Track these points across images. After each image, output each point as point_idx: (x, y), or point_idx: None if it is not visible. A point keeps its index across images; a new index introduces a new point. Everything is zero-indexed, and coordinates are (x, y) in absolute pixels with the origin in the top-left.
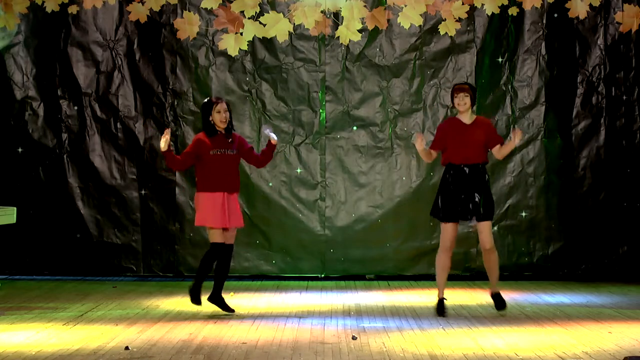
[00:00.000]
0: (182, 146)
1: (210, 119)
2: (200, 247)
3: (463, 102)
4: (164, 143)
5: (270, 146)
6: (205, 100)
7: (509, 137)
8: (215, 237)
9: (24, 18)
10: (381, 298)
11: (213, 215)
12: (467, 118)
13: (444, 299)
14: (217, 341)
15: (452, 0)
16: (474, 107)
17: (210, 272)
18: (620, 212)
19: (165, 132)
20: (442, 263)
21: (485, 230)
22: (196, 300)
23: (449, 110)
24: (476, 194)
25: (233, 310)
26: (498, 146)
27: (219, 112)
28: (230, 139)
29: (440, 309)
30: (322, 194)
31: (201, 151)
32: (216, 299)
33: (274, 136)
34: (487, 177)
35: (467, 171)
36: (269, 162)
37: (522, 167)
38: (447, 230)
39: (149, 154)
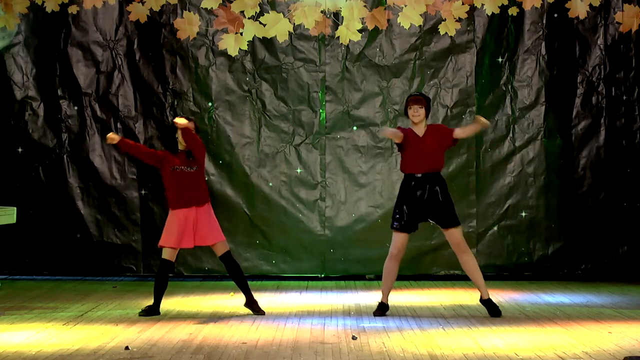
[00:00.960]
0: None
1: (176, 135)
2: (200, 248)
3: (417, 113)
4: (114, 136)
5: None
6: (175, 118)
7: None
8: (165, 253)
9: (24, 18)
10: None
11: (169, 235)
12: (420, 129)
13: (385, 303)
14: (217, 341)
15: (452, 0)
16: (428, 119)
17: (163, 287)
18: (620, 212)
19: (109, 138)
20: (388, 269)
21: (454, 235)
22: (146, 314)
23: (449, 111)
24: (438, 202)
25: (264, 313)
26: (457, 130)
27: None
28: (192, 158)
29: (378, 311)
30: (322, 194)
31: (165, 162)
32: (249, 304)
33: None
34: (445, 184)
35: (423, 180)
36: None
37: (522, 167)
38: (398, 239)
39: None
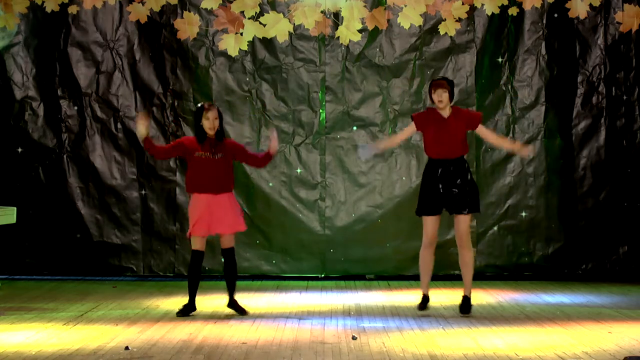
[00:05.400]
0: None
1: (201, 124)
2: None
3: (441, 98)
4: (142, 128)
5: (268, 154)
6: (198, 105)
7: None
8: (194, 243)
9: (24, 18)
10: (381, 298)
11: (193, 221)
12: (445, 112)
13: (427, 295)
14: (217, 341)
15: (452, 0)
16: (452, 103)
17: (197, 280)
18: (621, 212)
19: (140, 116)
20: (423, 259)
21: (463, 224)
22: (183, 314)
23: None
24: (457, 187)
25: (246, 312)
26: (485, 131)
27: (207, 118)
28: (219, 145)
29: (422, 305)
30: (322, 194)
31: (188, 150)
32: (231, 304)
33: (274, 143)
34: (468, 168)
35: (448, 164)
36: (269, 163)
37: (522, 167)
38: (427, 224)
39: (149, 154)
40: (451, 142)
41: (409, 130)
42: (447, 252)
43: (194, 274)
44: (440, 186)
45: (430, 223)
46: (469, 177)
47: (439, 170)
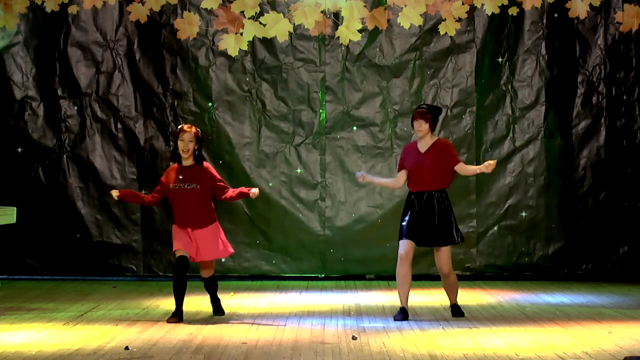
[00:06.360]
0: None
1: (177, 142)
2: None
3: (421, 128)
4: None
5: (244, 194)
6: (179, 126)
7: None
8: (178, 251)
9: (23, 18)
10: (381, 298)
11: (177, 238)
12: (424, 144)
13: (404, 308)
14: (217, 341)
15: (452, 0)
16: (434, 131)
17: (182, 287)
18: (621, 212)
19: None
20: (401, 273)
21: (442, 255)
22: (174, 319)
23: (449, 111)
24: (433, 220)
25: (224, 312)
26: (460, 165)
27: (182, 140)
28: (196, 171)
29: (400, 316)
30: (322, 194)
31: (166, 186)
32: (216, 311)
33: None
34: (447, 202)
35: (424, 198)
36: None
37: (522, 167)
38: (403, 244)
39: (149, 154)
40: (428, 178)
41: (403, 172)
42: None
43: (177, 282)
44: (417, 219)
45: (405, 244)
46: (445, 209)
47: (416, 203)
